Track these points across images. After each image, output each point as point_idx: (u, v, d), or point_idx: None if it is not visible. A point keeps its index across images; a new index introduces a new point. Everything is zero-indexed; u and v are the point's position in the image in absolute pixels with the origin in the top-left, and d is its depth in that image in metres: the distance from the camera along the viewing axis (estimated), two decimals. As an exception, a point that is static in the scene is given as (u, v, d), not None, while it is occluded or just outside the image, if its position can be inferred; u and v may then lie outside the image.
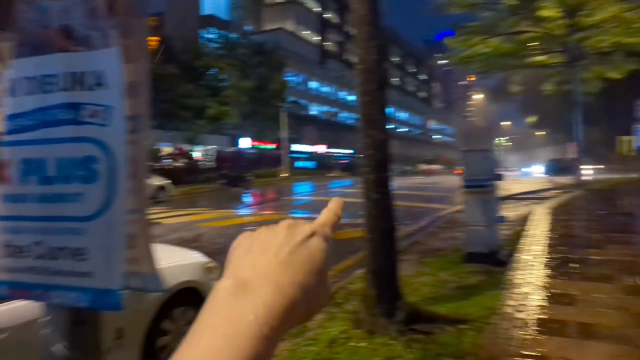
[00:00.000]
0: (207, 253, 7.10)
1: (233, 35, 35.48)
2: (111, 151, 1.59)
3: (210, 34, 34.07)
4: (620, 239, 6.75)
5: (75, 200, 1.61)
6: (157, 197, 17.12)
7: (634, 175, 27.65)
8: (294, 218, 0.44)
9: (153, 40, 30.45)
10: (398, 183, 26.60)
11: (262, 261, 0.36)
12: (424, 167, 65.61)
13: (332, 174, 44.89)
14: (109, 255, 1.60)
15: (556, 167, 34.14)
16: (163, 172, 23.83)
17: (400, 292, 3.90)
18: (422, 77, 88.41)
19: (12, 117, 1.73)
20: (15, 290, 1.68)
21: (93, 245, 1.61)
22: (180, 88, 28.05)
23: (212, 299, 0.34)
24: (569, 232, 7.54)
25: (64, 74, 1.62)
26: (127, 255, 1.82)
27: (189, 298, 3.59)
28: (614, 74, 20.07)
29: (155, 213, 12.95)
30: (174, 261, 3.64)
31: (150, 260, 1.90)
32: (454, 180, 26.37)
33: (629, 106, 23.81)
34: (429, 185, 25.74)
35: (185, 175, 27.49)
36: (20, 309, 2.28)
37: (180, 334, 3.44)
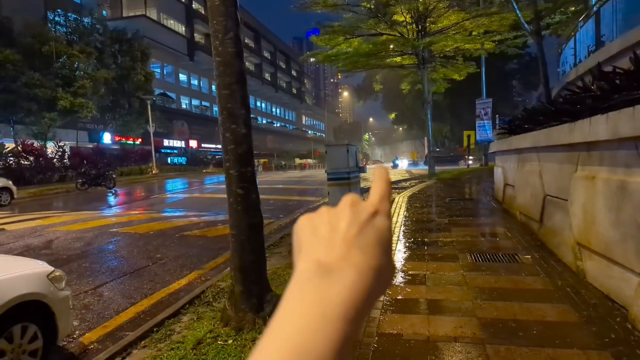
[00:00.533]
0: (60, 260, 6.45)
1: (86, 20, 31.84)
2: None
3: (59, 16, 30.10)
4: (462, 222, 7.75)
5: None
6: (-1, 201, 14.79)
7: (475, 166, 32.19)
8: (353, 196, 0.41)
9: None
10: (273, 177, 27.00)
11: (336, 244, 0.35)
12: (299, 161, 67.60)
13: (206, 170, 43.54)
14: None
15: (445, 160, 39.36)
16: (7, 172, 20.63)
17: (269, 285, 3.96)
18: (294, 73, 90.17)
19: None
20: None
21: None
22: (24, 77, 24.40)
23: (296, 282, 0.33)
24: (422, 217, 8.42)
25: None
26: None
27: (31, 312, 3.19)
28: (456, 76, 23.07)
29: (-6, 220, 11.17)
30: (8, 273, 3.19)
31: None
32: (325, 173, 27.55)
33: (472, 104, 27.58)
34: (303, 179, 26.51)
35: (35, 174, 24.14)
36: None
37: (20, 353, 3.05)
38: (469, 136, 30.02)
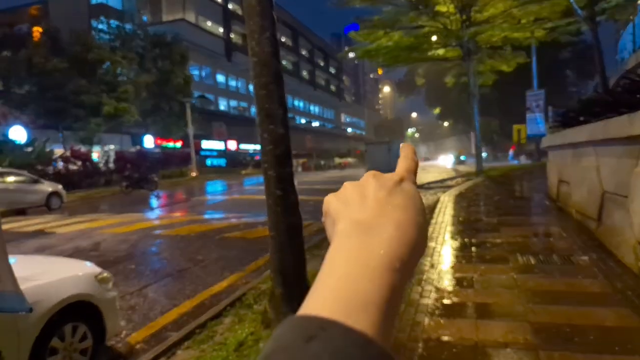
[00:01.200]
0: (107, 261, 6.66)
1: (128, 26, 33.03)
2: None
3: (102, 24, 31.39)
4: (512, 221, 7.44)
5: None
6: (50, 205, 15.54)
7: (526, 162, 30.91)
8: (374, 171, 0.41)
9: (35, 31, 27.49)
10: (312, 178, 27.16)
11: (369, 205, 0.36)
12: (339, 160, 67.36)
13: (245, 171, 44.19)
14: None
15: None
16: (56, 177, 21.69)
17: (310, 288, 3.91)
18: (332, 70, 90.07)
19: None
20: None
21: None
22: (71, 84, 25.59)
23: (337, 240, 0.34)
24: (469, 217, 8.14)
25: None
26: (-23, 276, 1.59)
27: (81, 312, 3.29)
28: (505, 67, 22.13)
29: (47, 222, 11.75)
30: (60, 274, 3.31)
31: (9, 277, 1.68)
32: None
33: (522, 96, 26.41)
34: (343, 179, 26.15)
35: (83, 179, 25.26)
36: None
37: (72, 351, 3.15)
38: (519, 130, 28.68)
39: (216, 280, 5.61)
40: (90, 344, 3.34)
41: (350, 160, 70.35)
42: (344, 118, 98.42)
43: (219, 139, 47.91)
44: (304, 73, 74.24)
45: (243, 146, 52.68)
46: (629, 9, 15.54)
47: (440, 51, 21.20)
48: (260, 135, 3.85)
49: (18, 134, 22.73)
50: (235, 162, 47.69)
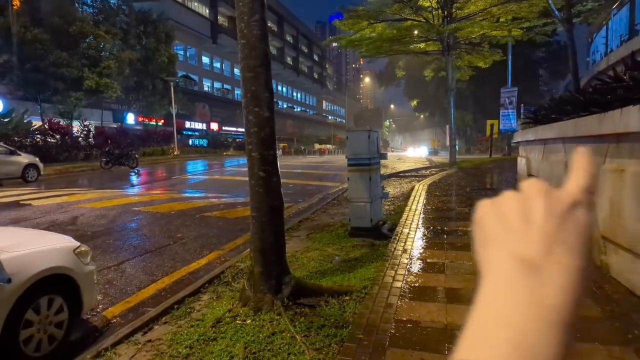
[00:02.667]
0: (85, 236, 6.63)
1: (112, 0, 32.15)
2: None
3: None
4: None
5: None
6: (26, 177, 15.22)
7: (497, 156, 31.60)
8: (540, 183, 0.36)
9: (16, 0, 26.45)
10: (292, 162, 27.00)
11: (534, 238, 0.31)
12: (318, 146, 67.53)
13: (226, 152, 43.91)
14: None
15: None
16: (33, 149, 21.19)
17: (287, 268, 4.00)
18: (316, 58, 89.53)
19: None
20: None
21: None
22: (51, 56, 24.83)
23: (499, 278, 0.31)
24: (442, 206, 8.33)
25: None
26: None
27: (57, 285, 3.30)
28: (482, 63, 22.52)
29: (23, 194, 11.53)
30: (37, 246, 3.30)
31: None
32: (345, 159, 27.48)
33: (496, 93, 26.96)
34: (322, 164, 26.49)
35: (61, 152, 24.72)
36: None
37: (47, 324, 3.16)
38: (492, 125, 29.40)
39: (195, 257, 5.65)
40: (66, 317, 3.36)
41: (329, 146, 70.75)
42: (325, 105, 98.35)
43: (202, 120, 47.39)
44: (288, 59, 73.60)
45: (225, 128, 52.26)
46: (603, 14, 15.99)
47: (421, 45, 21.45)
48: (246, 117, 3.87)
49: (-6, 104, 22.08)
50: (217, 143, 47.31)
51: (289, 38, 74.35)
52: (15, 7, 25.80)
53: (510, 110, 24.96)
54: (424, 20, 19.65)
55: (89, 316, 3.84)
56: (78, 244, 3.62)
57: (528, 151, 9.18)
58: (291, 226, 7.03)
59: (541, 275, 0.29)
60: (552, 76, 49.88)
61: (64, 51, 25.46)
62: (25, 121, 23.36)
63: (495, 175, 15.67)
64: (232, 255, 5.65)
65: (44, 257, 3.20)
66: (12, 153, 15.08)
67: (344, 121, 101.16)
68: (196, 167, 23.65)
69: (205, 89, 53.34)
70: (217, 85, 56.10)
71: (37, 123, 25.13)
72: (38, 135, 24.02)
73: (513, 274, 0.30)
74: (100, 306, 4.08)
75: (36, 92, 25.94)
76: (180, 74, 41.32)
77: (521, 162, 10.24)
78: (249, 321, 3.38)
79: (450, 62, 20.36)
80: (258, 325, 3.30)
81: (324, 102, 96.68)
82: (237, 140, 50.13)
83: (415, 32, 20.22)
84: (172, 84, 33.06)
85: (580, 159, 0.37)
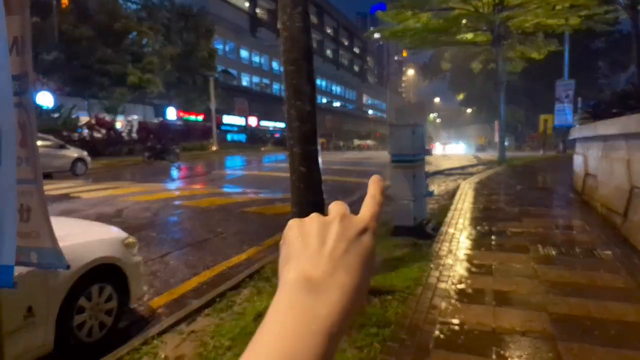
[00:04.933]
0: (130, 228, 6.83)
1: (155, -4, 33.15)
2: (-8, 114, 1.41)
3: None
4: (534, 212, 7.35)
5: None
6: (75, 170, 15.93)
7: (550, 153, 30.28)
8: (343, 207, 0.42)
9: (65, -2, 27.69)
10: (331, 158, 26.96)
11: (323, 259, 0.36)
12: (358, 142, 66.90)
13: (264, 148, 44.36)
14: (-4, 230, 1.45)
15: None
16: (81, 143, 22.16)
17: (328, 265, 3.96)
18: (357, 50, 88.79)
19: None
20: None
21: (-23, 219, 1.44)
22: (97, 52, 25.85)
23: (284, 292, 0.35)
24: (490, 205, 8.07)
25: None
26: (22, 229, 1.66)
27: (107, 275, 3.41)
28: (535, 55, 21.46)
29: (73, 186, 12.07)
30: (89, 237, 3.43)
31: (49, 234, 1.75)
32: (387, 155, 27.10)
33: (550, 86, 25.60)
34: (362, 160, 26.29)
35: (106, 147, 25.75)
36: None
37: (98, 311, 3.28)
38: (545, 121, 27.99)
39: (235, 252, 5.72)
40: (115, 305, 3.47)
41: (370, 142, 69.73)
42: (365, 99, 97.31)
43: (240, 115, 48.02)
44: (328, 52, 73.35)
45: (263, 123, 52.75)
46: None
47: (469, 35, 20.63)
48: (287, 111, 3.85)
49: (45, 99, 23.22)
50: (255, 139, 47.84)
51: (329, 30, 74.05)
52: (63, 6, 27.02)
53: (566, 105, 23.72)
54: (473, 9, 18.84)
55: (136, 305, 3.95)
56: (126, 235, 3.73)
57: (585, 148, 8.71)
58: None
59: (319, 291, 0.34)
60: (612, 68, 46.82)
61: (109, 48, 26.44)
62: (73, 116, 24.46)
63: (548, 174, 15.06)
64: (272, 251, 5.68)
65: (96, 247, 3.31)
66: (61, 147, 15.81)
67: (385, 116, 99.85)
68: (234, 163, 24.05)
69: (244, 83, 54.03)
70: (255, 79, 56.69)
71: (84, 118, 26.27)
72: (85, 130, 25.11)
73: (297, 289, 0.34)
74: (146, 296, 4.20)
75: (83, 88, 27.07)
76: (219, 68, 42.01)
77: (577, 160, 9.74)
78: (290, 316, 3.37)
79: (501, 53, 19.56)
80: (299, 320, 3.28)
81: (364, 96, 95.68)
82: (275, 135, 50.52)
83: (463, 21, 19.47)
84: (211, 78, 33.69)
85: (373, 185, 0.44)
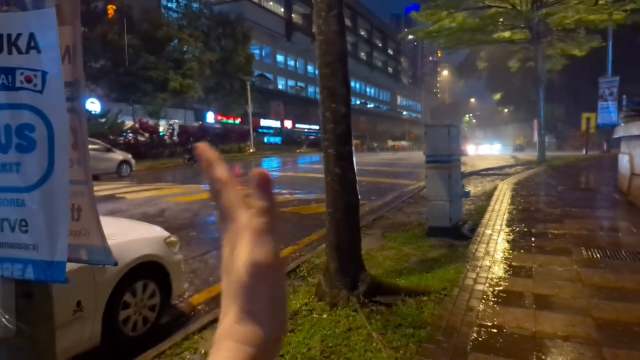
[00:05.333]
0: (171, 228, 7.06)
1: (194, 5, 34.17)
2: (48, 119, 1.52)
3: (171, 2, 32.68)
4: (576, 213, 7.07)
5: (13, 170, 1.54)
6: (120, 172, 16.64)
7: (593, 152, 28.94)
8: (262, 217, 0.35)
9: (110, 8, 29.03)
10: (365, 159, 26.87)
11: (230, 306, 0.34)
12: (392, 143, 66.35)
13: (299, 150, 44.72)
14: (52, 227, 1.55)
15: None
16: (126, 146, 23.10)
17: (363, 265, 3.97)
18: (390, 52, 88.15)
19: (-61, 82, 1.62)
20: (-49, 264, 1.62)
21: (35, 216, 1.55)
22: (141, 60, 26.92)
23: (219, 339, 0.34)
24: (529, 207, 7.83)
25: (-6, 36, 1.52)
26: (73, 228, 1.77)
27: (151, 272, 3.55)
28: (577, 51, 20.59)
29: (118, 188, 12.62)
30: (134, 235, 3.59)
31: (98, 232, 1.85)
32: (421, 156, 26.75)
33: (592, 83, 24.46)
34: (396, 161, 26.07)
35: (149, 149, 26.72)
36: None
37: (142, 307, 3.42)
38: (588, 119, 26.74)
39: (271, 252, 5.81)
40: (158, 301, 3.61)
41: (404, 143, 68.97)
42: (399, 100, 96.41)
43: (276, 118, 48.67)
44: (362, 54, 73.14)
45: (299, 125, 53.24)
46: None
47: (507, 33, 20.05)
48: (322, 113, 3.89)
49: (93, 105, 24.44)
50: (290, 141, 48.32)
51: (362, 33, 73.91)
52: (109, 17, 28.31)
53: (610, 103, 22.57)
54: (511, 7, 18.29)
55: (177, 302, 4.10)
56: (168, 234, 3.87)
57: (632, 147, 8.29)
58: (365, 224, 6.98)
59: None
60: (659, 64, 44.32)
61: (151, 55, 27.47)
62: (118, 121, 25.57)
63: (591, 174, 14.44)
64: (307, 250, 5.75)
65: (140, 246, 3.46)
66: (108, 150, 16.55)
67: (419, 116, 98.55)
68: (270, 164, 24.39)
69: (280, 87, 54.74)
70: (290, 83, 57.31)
71: (129, 122, 27.39)
72: (130, 134, 26.17)
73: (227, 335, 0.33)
74: (187, 294, 4.34)
75: (128, 93, 28.24)
76: (256, 73, 42.76)
77: (623, 160, 9.28)
78: (325, 316, 3.41)
79: (540, 51, 18.89)
80: (334, 320, 3.31)
81: (398, 97, 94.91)
82: (310, 137, 50.88)
83: (501, 20, 18.95)
84: (248, 83, 34.36)
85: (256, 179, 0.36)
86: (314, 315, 3.43)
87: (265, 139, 46.65)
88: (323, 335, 3.04)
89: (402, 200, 9.73)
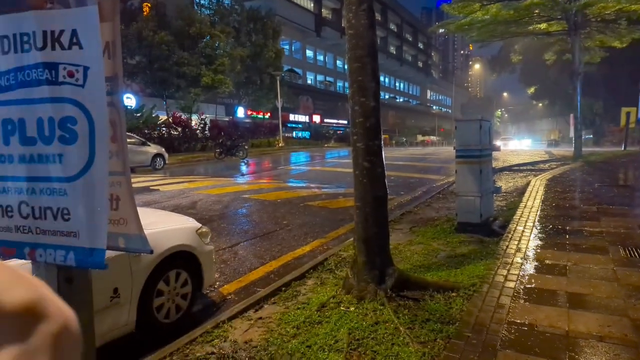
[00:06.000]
0: (203, 219, 7.24)
1: (226, 1, 34.63)
2: (89, 112, 1.59)
3: (203, -1, 33.34)
4: (614, 211, 6.82)
5: (56, 161, 1.62)
6: (154, 165, 17.10)
7: (633, 148, 27.67)
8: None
9: (145, 6, 29.71)
10: (394, 154, 26.55)
11: None
12: (421, 137, 65.45)
13: (327, 144, 44.75)
14: (92, 215, 1.63)
15: None
16: (160, 140, 23.72)
17: (391, 259, 3.97)
18: (421, 45, 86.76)
19: (-12, 77, 1.72)
20: (4, 249, 1.72)
21: (76, 205, 1.63)
22: (175, 56, 27.50)
23: None
24: (564, 203, 7.60)
25: (39, 33, 1.60)
26: (111, 217, 1.85)
27: (183, 261, 3.66)
28: (617, 43, 19.68)
29: (152, 180, 12.98)
30: (168, 226, 3.70)
31: (136, 221, 1.93)
32: (451, 151, 26.26)
33: (633, 76, 23.33)
34: (425, 156, 25.70)
35: (182, 143, 27.34)
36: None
37: (175, 295, 3.53)
38: (628, 113, 25.59)
39: (299, 244, 5.88)
40: (189, 290, 3.72)
41: (433, 138, 67.91)
42: (429, 95, 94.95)
43: (305, 113, 48.86)
44: (391, 48, 72.36)
45: (327, 120, 53.27)
46: None
47: (542, 25, 19.33)
48: (351, 107, 3.90)
49: (129, 100, 25.26)
50: (318, 135, 48.43)
51: (392, 27, 73.06)
52: (145, 14, 29.00)
53: (652, 96, 21.58)
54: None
55: (208, 291, 4.21)
56: (200, 225, 3.98)
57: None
58: (393, 219, 6.95)
59: None
60: None
61: (185, 51, 28.01)
62: (153, 115, 26.27)
63: (630, 171, 13.86)
64: (335, 243, 5.78)
65: (174, 236, 3.57)
66: (143, 144, 17.04)
67: (449, 111, 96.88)
68: (299, 159, 24.52)
69: (308, 81, 54.84)
70: (319, 77, 57.35)
71: (162, 117, 28.09)
72: (163, 128, 26.84)
73: None
74: (217, 283, 4.45)
75: (162, 89, 28.93)
76: (285, 68, 42.97)
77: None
78: (352, 308, 3.43)
79: (578, 43, 18.16)
80: (361, 313, 3.33)
81: (428, 91, 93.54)
82: (338, 132, 50.84)
83: (536, 11, 18.28)
84: (278, 78, 34.58)
85: None
86: (341, 308, 3.46)
87: (294, 134, 46.95)
88: (350, 328, 3.07)
89: (430, 196, 9.62)
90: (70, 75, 1.62)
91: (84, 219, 1.67)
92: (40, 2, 1.68)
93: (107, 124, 1.63)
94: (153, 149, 17.36)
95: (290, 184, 12.48)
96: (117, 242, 1.93)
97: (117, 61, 1.75)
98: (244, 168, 18.48)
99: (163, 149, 17.98)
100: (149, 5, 29.57)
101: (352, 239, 5.11)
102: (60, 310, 0.33)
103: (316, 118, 51.13)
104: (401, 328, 3.02)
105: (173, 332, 3.31)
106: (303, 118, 49.21)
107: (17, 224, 1.69)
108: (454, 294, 3.60)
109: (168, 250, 3.42)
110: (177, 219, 4.07)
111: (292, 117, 46.73)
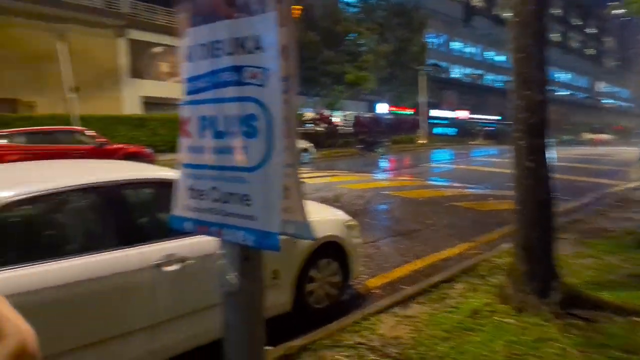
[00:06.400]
0: (347, 213, 7.44)
1: (371, -2, 35.03)
2: (268, 109, 1.76)
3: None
4: None
5: (240, 153, 1.83)
6: (301, 159, 18.21)
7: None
8: None
9: (297, 9, 31.79)
10: (557, 154, 23.69)
11: None
12: (590, 136, 57.00)
13: (472, 142, 42.10)
14: (268, 202, 1.79)
15: None
16: (306, 136, 25.19)
17: (556, 271, 3.55)
18: (590, 30, 75.79)
19: (190, 79, 2.02)
20: (199, 227, 2.01)
21: (255, 192, 1.82)
22: (321, 55, 28.80)
23: None
24: None
25: (229, 40, 1.82)
26: (283, 205, 2.01)
27: (333, 252, 3.81)
28: None
29: (300, 173, 13.81)
30: (321, 216, 3.88)
31: (302, 210, 2.07)
32: (629, 152, 22.47)
33: None
34: (596, 157, 22.37)
35: (326, 139, 28.60)
36: (203, 243, 2.73)
37: (324, 283, 3.70)
38: None
39: (445, 245, 5.66)
40: (339, 279, 3.85)
41: (605, 136, 58.54)
42: (600, 86, 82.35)
43: (449, 108, 46.82)
44: (556, 35, 64.59)
45: (474, 115, 50.14)
46: None
47: None
48: (514, 102, 3.59)
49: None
50: (464, 132, 45.86)
51: (554, 10, 65.31)
52: (295, 16, 31.05)
53: None
54: None
55: (353, 283, 4.32)
56: (349, 217, 4.09)
57: None
58: (558, 226, 6.19)
59: None
60: None
61: (330, 49, 29.15)
62: (299, 113, 28.05)
63: None
64: (486, 249, 5.41)
65: (326, 226, 3.74)
66: (293, 139, 18.32)
67: (631, 105, 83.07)
68: (442, 156, 23.65)
69: (454, 75, 52.32)
70: (466, 71, 54.26)
71: (308, 114, 29.74)
72: (310, 124, 28.43)
73: None
74: (362, 276, 4.53)
75: (309, 87, 30.61)
76: (429, 62, 41.69)
77: None
78: (510, 320, 3.16)
79: None
80: (521, 326, 3.05)
81: (599, 82, 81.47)
82: (486, 129, 47.48)
83: None
84: (421, 72, 33.76)
85: None
86: (496, 318, 3.22)
87: (437, 130, 45.28)
88: (508, 341, 2.84)
89: (604, 203, 8.38)
90: (253, 76, 1.80)
91: (261, 205, 1.84)
92: (231, 12, 1.90)
93: (283, 121, 1.78)
94: (300, 143, 18.50)
95: (432, 182, 12.10)
96: (287, 228, 2.09)
97: (292, 63, 1.89)
98: (385, 164, 18.54)
99: (311, 145, 19.06)
100: (300, 8, 31.53)
101: (506, 244, 4.73)
102: (18, 329, 0.33)
103: (461, 113, 48.51)
104: (573, 351, 2.68)
105: (323, 318, 3.46)
106: (447, 113, 47.17)
107: (209, 206, 1.95)
108: (638, 319, 3.06)
109: (321, 239, 3.59)
110: (329, 211, 4.25)
111: (435, 112, 45.13)
